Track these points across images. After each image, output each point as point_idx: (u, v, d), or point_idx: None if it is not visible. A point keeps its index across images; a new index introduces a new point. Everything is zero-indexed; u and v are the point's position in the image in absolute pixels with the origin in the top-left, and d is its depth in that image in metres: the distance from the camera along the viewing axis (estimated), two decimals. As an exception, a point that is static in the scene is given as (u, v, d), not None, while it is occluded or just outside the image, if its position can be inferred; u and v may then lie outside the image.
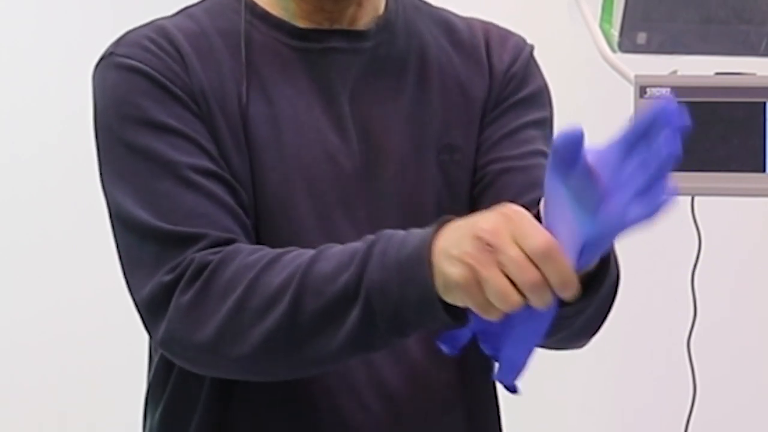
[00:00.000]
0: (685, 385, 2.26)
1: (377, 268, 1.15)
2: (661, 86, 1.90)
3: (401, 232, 1.16)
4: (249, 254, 1.23)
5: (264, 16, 1.38)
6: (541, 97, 1.43)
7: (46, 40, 3.01)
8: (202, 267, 1.23)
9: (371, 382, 1.33)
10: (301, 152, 1.33)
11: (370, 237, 1.18)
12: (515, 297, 1.02)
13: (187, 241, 1.25)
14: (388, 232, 1.17)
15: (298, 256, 1.22)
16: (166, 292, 1.24)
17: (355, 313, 1.16)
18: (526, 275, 1.01)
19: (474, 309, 1.06)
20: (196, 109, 1.31)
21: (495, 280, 1.02)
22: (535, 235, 1.02)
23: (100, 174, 1.34)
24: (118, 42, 1.35)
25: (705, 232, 2.23)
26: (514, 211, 1.05)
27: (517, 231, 1.03)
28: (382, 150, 1.37)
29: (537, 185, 1.30)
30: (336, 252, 1.20)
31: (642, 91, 1.88)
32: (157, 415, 1.39)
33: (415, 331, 1.17)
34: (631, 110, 1.89)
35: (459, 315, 1.10)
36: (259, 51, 1.36)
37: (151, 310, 1.27)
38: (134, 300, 1.30)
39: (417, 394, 1.35)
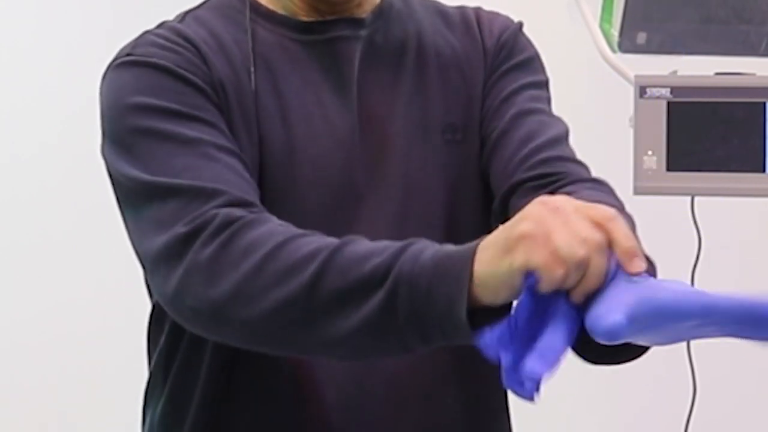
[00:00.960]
0: (685, 385, 2.26)
1: (410, 261, 1.10)
2: (661, 86, 1.90)
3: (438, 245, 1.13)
4: (279, 224, 1.20)
5: (268, 15, 1.40)
6: (533, 63, 1.46)
7: (46, 40, 3.01)
8: (230, 221, 1.19)
9: (372, 366, 1.33)
10: (311, 145, 1.35)
11: (407, 240, 1.15)
12: (583, 249, 1.01)
13: (208, 195, 1.21)
14: (426, 240, 1.14)
15: (328, 237, 1.18)
16: (184, 243, 1.20)
17: (376, 300, 1.11)
18: (594, 234, 1.02)
19: (538, 265, 1.02)
20: (216, 99, 1.31)
21: (564, 230, 1.02)
22: (598, 206, 1.04)
23: (107, 165, 1.31)
24: (135, 44, 1.35)
25: (705, 232, 2.23)
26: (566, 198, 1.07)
27: (579, 205, 1.04)
28: (387, 134, 1.38)
29: (536, 134, 1.36)
30: (369, 242, 1.16)
31: (642, 91, 1.88)
32: (158, 411, 1.39)
33: (432, 340, 1.11)
34: (631, 110, 1.89)
35: (483, 321, 1.07)
36: (268, 47, 1.37)
37: (165, 261, 1.21)
38: (143, 255, 1.25)
39: (418, 375, 1.35)
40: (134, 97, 1.29)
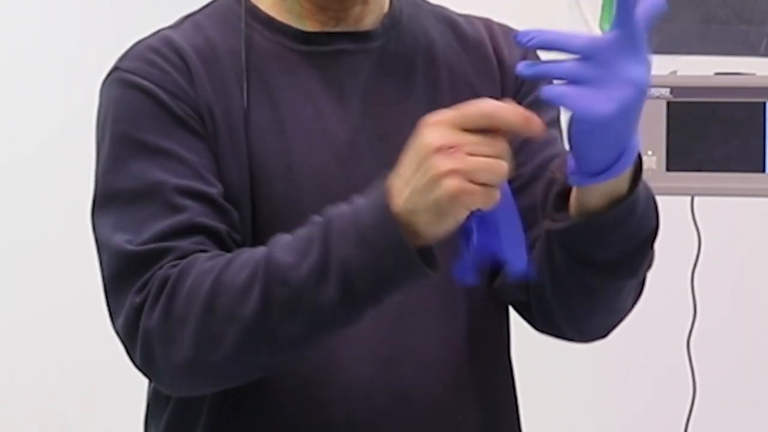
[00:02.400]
0: (685, 385, 2.26)
1: (343, 245, 1.16)
2: (661, 86, 1.90)
3: (345, 208, 1.19)
4: (206, 260, 1.23)
5: (267, 22, 1.37)
6: None
7: (46, 40, 3.01)
8: (163, 283, 1.23)
9: (384, 384, 1.32)
10: (310, 158, 1.32)
11: (318, 219, 1.20)
12: (500, 163, 1.11)
13: (155, 257, 1.25)
14: (332, 211, 1.19)
15: (253, 252, 1.22)
16: (137, 314, 1.24)
17: (328, 293, 1.16)
18: (496, 143, 1.11)
19: (479, 206, 1.12)
20: (197, 125, 1.30)
21: (478, 164, 1.10)
22: (471, 108, 1.12)
23: (94, 189, 1.33)
24: (125, 55, 1.34)
25: (705, 232, 2.23)
26: (432, 119, 1.14)
27: (455, 120, 1.12)
28: (395, 150, 1.35)
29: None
30: (289, 240, 1.21)
31: (642, 91, 1.88)
32: (161, 426, 1.38)
33: (392, 293, 1.19)
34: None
35: (436, 262, 1.16)
36: (265, 57, 1.35)
37: (127, 336, 1.26)
38: (111, 315, 1.30)
39: (428, 394, 1.34)
40: (116, 121, 1.31)
